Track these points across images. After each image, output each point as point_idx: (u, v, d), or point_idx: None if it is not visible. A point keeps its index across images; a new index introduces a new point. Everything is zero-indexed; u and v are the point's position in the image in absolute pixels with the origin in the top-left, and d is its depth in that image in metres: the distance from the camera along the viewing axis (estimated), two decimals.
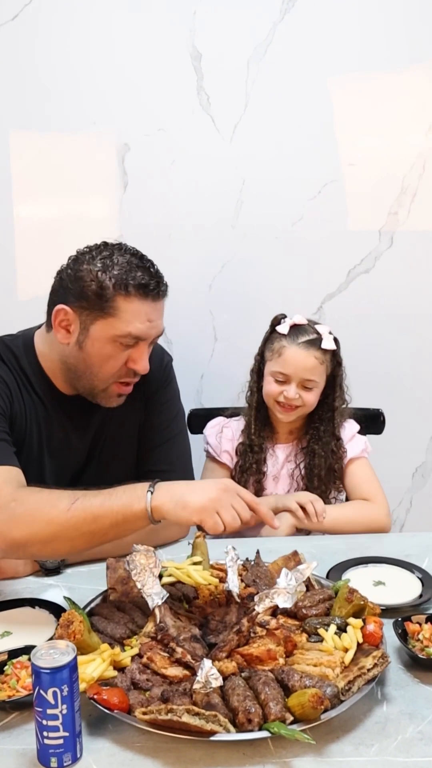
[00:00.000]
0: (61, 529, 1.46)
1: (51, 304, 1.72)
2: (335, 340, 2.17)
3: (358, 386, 2.66)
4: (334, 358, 2.18)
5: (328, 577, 1.70)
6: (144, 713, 1.19)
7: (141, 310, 1.67)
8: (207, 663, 1.24)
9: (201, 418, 2.44)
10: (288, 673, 1.29)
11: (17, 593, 1.67)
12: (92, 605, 1.55)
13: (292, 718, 1.20)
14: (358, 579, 1.69)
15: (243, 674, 1.32)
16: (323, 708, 1.19)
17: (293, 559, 1.66)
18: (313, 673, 1.31)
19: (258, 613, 1.38)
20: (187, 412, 2.47)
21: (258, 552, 1.73)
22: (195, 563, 1.68)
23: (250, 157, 2.60)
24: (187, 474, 1.95)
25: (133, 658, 1.37)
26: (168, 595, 1.47)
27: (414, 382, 2.82)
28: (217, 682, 1.22)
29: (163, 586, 1.60)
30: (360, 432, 2.29)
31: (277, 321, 2.19)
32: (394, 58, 2.56)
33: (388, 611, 1.55)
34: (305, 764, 1.17)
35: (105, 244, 1.73)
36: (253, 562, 1.70)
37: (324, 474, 2.16)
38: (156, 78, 2.53)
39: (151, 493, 1.49)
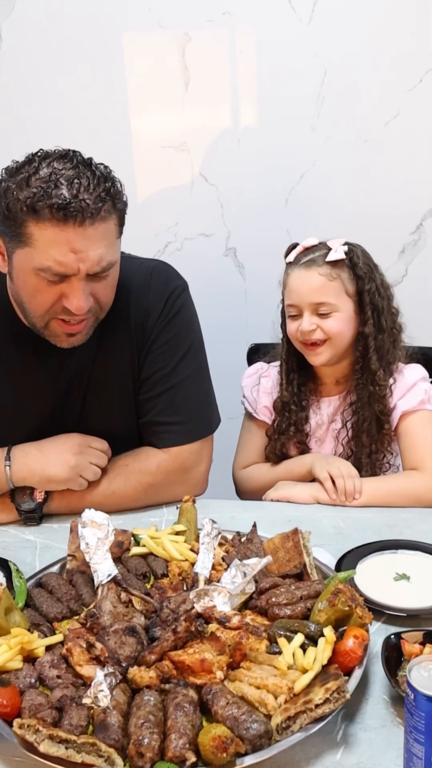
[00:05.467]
0: None
1: None
2: (352, 250, 1.75)
3: None
4: (353, 271, 1.75)
5: (341, 563, 1.37)
6: (21, 726, 0.97)
7: (59, 238, 1.33)
8: (99, 674, 1.00)
9: (262, 356, 2.12)
10: (215, 694, 1.01)
11: None
12: (44, 573, 1.35)
13: (194, 759, 0.93)
14: (376, 569, 1.35)
15: (167, 686, 1.06)
16: (226, 755, 0.91)
17: (292, 539, 1.35)
18: (250, 697, 1.02)
19: (197, 612, 1.10)
20: (248, 346, 2.20)
21: (254, 525, 1.43)
22: (177, 533, 1.42)
23: (334, 42, 2.15)
24: (201, 426, 1.66)
25: (51, 647, 1.15)
26: (116, 573, 1.24)
27: None
28: (105, 701, 0.98)
29: (132, 557, 1.38)
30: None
31: (287, 252, 1.82)
32: None
33: (399, 618, 1.22)
34: None
35: (39, 153, 1.38)
36: (245, 537, 1.41)
37: (374, 428, 1.77)
38: None
39: (9, 467, 1.53)
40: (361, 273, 1.74)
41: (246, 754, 0.94)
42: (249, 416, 1.96)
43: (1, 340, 1.58)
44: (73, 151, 1.39)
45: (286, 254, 1.83)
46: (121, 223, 1.45)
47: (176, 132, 2.31)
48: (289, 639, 1.11)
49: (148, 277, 1.62)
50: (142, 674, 1.05)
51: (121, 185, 1.43)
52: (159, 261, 1.70)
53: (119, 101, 2.31)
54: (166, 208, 2.39)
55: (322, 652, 1.06)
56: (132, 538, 1.43)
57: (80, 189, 1.33)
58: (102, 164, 1.41)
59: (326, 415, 1.87)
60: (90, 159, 1.40)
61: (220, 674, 1.06)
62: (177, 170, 2.34)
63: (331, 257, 1.72)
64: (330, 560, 1.39)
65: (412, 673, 0.87)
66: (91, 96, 2.30)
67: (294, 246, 1.82)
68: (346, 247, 1.74)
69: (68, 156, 1.37)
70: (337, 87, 2.19)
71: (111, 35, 2.25)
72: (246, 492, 1.91)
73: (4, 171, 1.39)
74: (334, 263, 1.73)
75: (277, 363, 1.91)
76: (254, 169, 2.30)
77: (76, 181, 1.33)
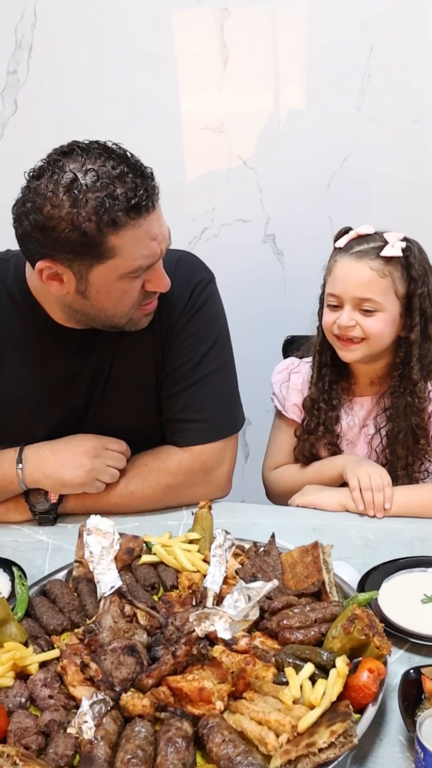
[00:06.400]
0: None
1: (25, 253, 1.37)
2: (410, 248, 1.61)
3: None
4: (407, 271, 1.61)
5: (365, 581, 1.27)
6: (3, 756, 0.91)
7: (138, 234, 1.29)
8: (85, 704, 0.93)
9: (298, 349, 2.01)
10: (211, 729, 0.94)
11: None
12: (48, 580, 1.29)
13: None
14: (402, 589, 1.25)
15: (162, 714, 0.98)
16: None
17: (311, 553, 1.25)
18: (249, 734, 0.94)
19: (198, 636, 1.02)
20: (283, 339, 2.10)
21: (273, 536, 1.33)
22: (191, 541, 1.34)
23: (381, 15, 2.01)
24: (224, 425, 1.57)
25: (46, 663, 1.09)
26: (120, 585, 1.17)
27: None
28: (89, 732, 0.91)
29: (141, 565, 1.31)
30: None
31: (338, 236, 1.68)
32: None
33: (424, 647, 1.12)
34: None
35: (55, 162, 1.26)
36: (263, 549, 1.32)
37: (410, 440, 1.65)
38: None
39: (21, 469, 1.48)
40: (415, 275, 1.60)
41: None
42: (279, 414, 1.86)
43: (25, 335, 1.52)
44: (85, 144, 1.30)
45: (336, 238, 1.69)
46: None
47: (214, 113, 2.20)
48: (299, 668, 1.02)
49: (173, 268, 1.54)
50: (135, 702, 0.98)
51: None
52: (184, 252, 1.61)
53: (156, 83, 2.21)
54: (203, 193, 2.30)
55: (332, 686, 0.97)
56: (144, 545, 1.35)
57: (132, 180, 1.27)
58: (115, 144, 1.32)
59: (359, 418, 1.76)
60: (104, 143, 1.31)
61: (219, 705, 0.98)
62: (214, 153, 2.24)
63: (386, 252, 1.59)
64: (354, 576, 1.29)
65: (423, 728, 0.78)
66: (126, 77, 2.20)
67: (346, 231, 1.68)
68: (403, 244, 1.60)
69: (89, 151, 1.28)
70: (384, 64, 2.05)
71: (150, 11, 2.16)
72: (275, 494, 1.82)
73: (33, 203, 1.27)
74: (389, 259, 1.59)
75: (309, 359, 1.80)
76: (295, 152, 2.19)
77: (122, 174, 1.26)
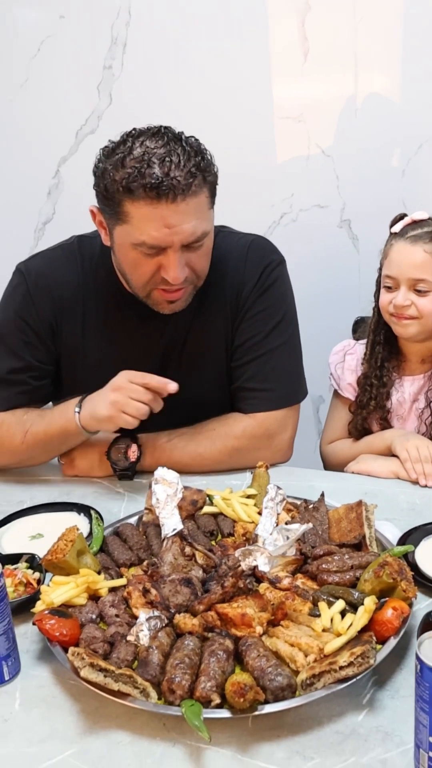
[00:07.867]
0: (21, 457, 1.73)
1: None
2: None
3: None
4: None
5: (406, 538, 1.38)
6: (73, 653, 1.09)
7: (153, 215, 1.42)
8: (142, 616, 1.10)
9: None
10: (249, 646, 1.08)
11: (82, 497, 1.65)
12: (121, 523, 1.47)
13: (218, 701, 1.01)
14: None
15: (209, 634, 1.14)
16: (243, 700, 0.98)
17: (356, 510, 1.38)
18: (282, 653, 1.08)
19: (243, 571, 1.17)
20: (353, 319, 2.20)
21: (322, 494, 1.46)
22: (248, 496, 1.49)
23: None
24: (287, 395, 1.70)
25: (114, 589, 1.26)
26: (181, 528, 1.33)
27: None
28: (145, 639, 1.08)
29: (203, 515, 1.47)
30: None
31: (393, 222, 1.79)
32: None
33: None
34: (219, 758, 0.98)
35: (133, 132, 1.47)
36: (312, 505, 1.45)
37: None
38: None
39: (78, 412, 1.60)
40: None
41: (267, 702, 1.01)
42: (335, 393, 1.99)
43: (107, 305, 1.70)
44: (165, 128, 1.47)
45: (392, 224, 1.82)
46: (212, 194, 1.53)
47: (294, 103, 2.31)
48: (331, 604, 1.15)
49: (246, 251, 1.69)
50: (186, 621, 1.14)
51: (211, 157, 1.50)
52: (257, 236, 1.75)
53: (243, 75, 2.34)
54: (283, 180, 2.42)
55: (358, 619, 1.10)
56: (206, 498, 1.51)
57: (171, 167, 1.41)
58: (192, 137, 1.48)
59: (409, 394, 1.86)
60: (180, 134, 1.47)
61: (259, 629, 1.13)
62: (294, 141, 2.35)
63: None
64: (396, 535, 1.40)
65: (423, 646, 0.90)
66: (213, 69, 2.34)
67: (401, 217, 1.81)
68: None
69: (160, 133, 1.45)
70: None
71: (235, 7, 2.28)
72: (331, 467, 1.95)
73: (101, 152, 1.49)
74: None
75: (364, 341, 1.92)
76: (371, 140, 2.28)
77: (167, 159, 1.41)
